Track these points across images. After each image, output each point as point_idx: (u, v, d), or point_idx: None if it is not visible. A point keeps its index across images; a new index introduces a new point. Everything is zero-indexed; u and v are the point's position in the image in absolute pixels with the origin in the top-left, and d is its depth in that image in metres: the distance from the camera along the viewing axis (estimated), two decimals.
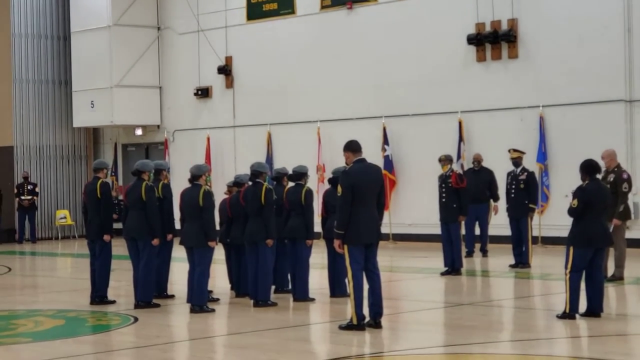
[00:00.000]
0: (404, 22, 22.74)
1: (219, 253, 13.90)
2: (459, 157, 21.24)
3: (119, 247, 15.22)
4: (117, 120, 26.90)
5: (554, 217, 20.05)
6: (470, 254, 18.88)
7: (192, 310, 12.52)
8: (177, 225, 13.42)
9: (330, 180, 13.44)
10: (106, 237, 13.48)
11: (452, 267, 16.14)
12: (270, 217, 12.87)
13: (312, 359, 9.91)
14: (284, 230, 13.39)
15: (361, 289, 10.72)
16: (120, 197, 21.87)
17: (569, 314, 11.21)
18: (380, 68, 23.05)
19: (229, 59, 25.93)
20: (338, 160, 20.16)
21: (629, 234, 15.71)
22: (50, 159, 28.10)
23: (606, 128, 19.77)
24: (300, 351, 10.14)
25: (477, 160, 19.33)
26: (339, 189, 10.79)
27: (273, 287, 13.51)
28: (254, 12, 25.42)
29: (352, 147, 10.95)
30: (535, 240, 19.36)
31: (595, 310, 11.34)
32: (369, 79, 23.21)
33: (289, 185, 13.72)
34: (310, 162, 20.50)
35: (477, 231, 19.23)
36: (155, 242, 13.11)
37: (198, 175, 12.73)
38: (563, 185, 19.41)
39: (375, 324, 10.81)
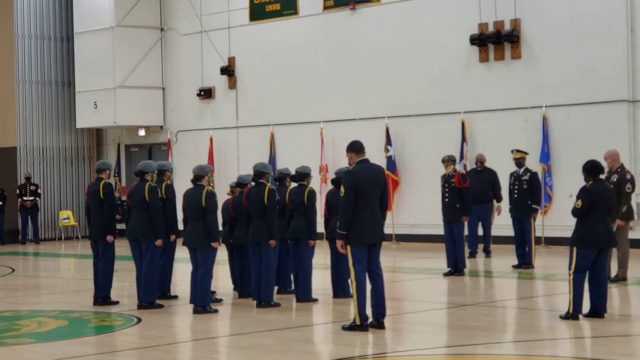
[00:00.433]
0: (407, 22, 22.74)
1: (222, 254, 13.91)
2: (462, 157, 21.22)
3: (122, 247, 15.23)
4: (120, 121, 26.92)
5: (557, 218, 20.04)
6: (473, 254, 18.87)
7: (195, 311, 12.53)
8: (180, 226, 13.43)
9: (333, 181, 13.44)
10: (109, 238, 13.49)
11: (455, 267, 16.13)
12: (273, 217, 12.87)
13: None
14: (287, 231, 13.40)
15: (364, 289, 10.72)
16: (124, 198, 21.90)
17: (572, 315, 11.20)
18: (382, 68, 23.05)
19: (231, 60, 25.94)
20: (341, 161, 20.25)
21: (632, 235, 15.68)
22: (53, 159, 28.13)
23: (609, 128, 19.76)
24: (303, 352, 10.14)
25: (480, 160, 19.33)
26: (342, 189, 10.79)
27: (276, 288, 13.52)
28: (257, 13, 25.43)
29: (356, 148, 10.95)
30: (538, 240, 19.36)
31: (598, 310, 11.33)
32: (371, 79, 23.21)
33: (292, 185, 13.72)
34: (313, 162, 20.50)
35: (480, 232, 19.23)
36: (159, 242, 13.12)
37: (201, 175, 12.74)
38: (566, 185, 19.39)
39: (378, 324, 10.81)
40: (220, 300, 13.52)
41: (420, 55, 22.49)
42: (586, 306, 11.35)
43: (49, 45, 27.99)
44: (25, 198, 26.69)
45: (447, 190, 16.37)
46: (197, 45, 26.53)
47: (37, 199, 26.93)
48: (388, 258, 17.96)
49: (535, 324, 11.53)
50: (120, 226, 13.83)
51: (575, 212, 11.35)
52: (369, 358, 9.94)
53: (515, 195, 17.18)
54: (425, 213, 21.88)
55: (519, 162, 17.37)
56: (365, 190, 10.70)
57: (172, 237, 13.69)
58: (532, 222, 17.08)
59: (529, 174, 17.21)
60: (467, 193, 16.32)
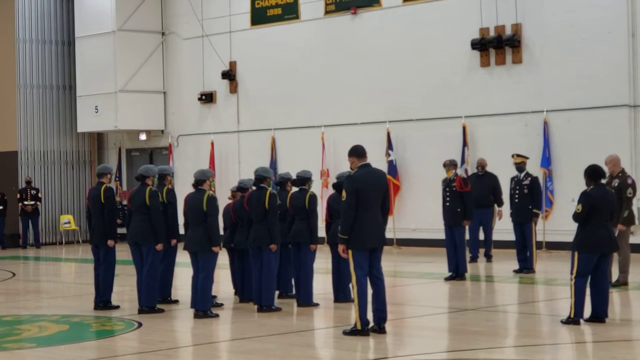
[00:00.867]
0: (408, 27, 22.75)
1: (223, 258, 13.90)
2: (463, 162, 21.21)
3: (123, 252, 15.22)
4: (121, 125, 26.93)
5: (558, 222, 20.03)
6: (474, 259, 18.86)
7: (196, 316, 12.52)
8: (181, 231, 13.42)
9: (334, 185, 13.44)
10: (110, 242, 13.48)
11: (457, 272, 16.12)
12: (274, 222, 12.87)
13: None
14: (288, 235, 13.40)
15: (365, 294, 10.71)
16: (124, 202, 21.93)
17: (573, 320, 11.19)
18: (384, 73, 23.06)
19: (233, 64, 25.95)
20: (342, 165, 20.25)
21: (633, 239, 15.68)
22: (54, 164, 28.13)
23: (610, 133, 19.75)
24: (304, 357, 10.14)
25: (481, 165, 19.33)
26: (344, 193, 10.79)
27: (277, 292, 13.51)
28: (258, 17, 25.45)
29: (357, 152, 10.95)
30: (539, 245, 19.36)
31: (599, 315, 11.33)
32: (372, 84, 23.22)
33: (293, 190, 13.72)
34: (314, 167, 20.49)
35: (482, 236, 19.22)
36: (159, 247, 13.11)
37: (202, 180, 12.73)
38: (567, 190, 19.40)
39: (380, 329, 10.80)
40: (221, 304, 13.51)
41: (422, 60, 22.49)
42: (587, 311, 11.34)
43: (50, 50, 28.01)
44: (26, 202, 26.68)
45: (448, 194, 16.36)
46: (198, 49, 26.54)
47: (38, 203, 26.92)
48: (389, 262, 17.96)
49: (537, 329, 11.52)
50: (121, 230, 13.83)
51: (576, 216, 11.35)
52: None
53: (516, 200, 17.18)
54: (426, 217, 21.87)
55: (520, 166, 17.37)
56: (366, 195, 10.70)
57: (173, 241, 13.69)
58: (533, 226, 17.08)
59: (529, 178, 17.21)
60: (468, 197, 16.32)
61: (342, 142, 22.34)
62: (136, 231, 13.15)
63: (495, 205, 19.17)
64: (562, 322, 11.31)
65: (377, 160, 19.78)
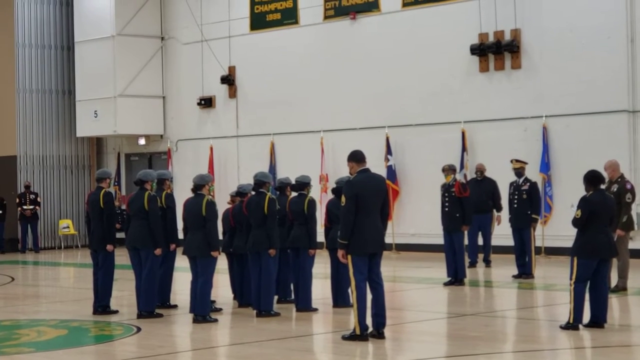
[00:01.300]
0: (407, 32, 22.77)
1: (222, 263, 13.90)
2: (462, 167, 21.22)
3: (121, 256, 15.22)
4: (120, 129, 26.93)
5: (557, 228, 20.04)
6: (473, 264, 18.87)
7: (195, 320, 12.52)
8: (180, 235, 13.42)
9: (333, 190, 13.44)
10: (109, 247, 13.48)
11: (455, 277, 16.12)
12: (273, 227, 12.87)
13: None
14: (287, 240, 13.39)
15: (364, 299, 10.71)
16: (123, 207, 21.89)
17: (572, 325, 11.19)
18: (383, 78, 23.07)
19: (232, 69, 25.96)
20: (341, 170, 20.26)
21: (632, 245, 15.68)
22: (53, 168, 28.13)
23: (609, 138, 19.77)
24: None
25: (480, 170, 19.34)
26: (343, 198, 10.79)
27: (276, 297, 13.50)
28: (258, 22, 25.47)
29: (357, 157, 10.95)
30: (538, 250, 19.36)
31: (598, 321, 11.32)
32: (372, 88, 23.23)
33: (292, 195, 13.72)
34: (313, 172, 20.49)
35: (480, 241, 19.23)
36: (158, 251, 13.11)
37: (201, 185, 12.73)
38: (566, 195, 19.39)
39: (379, 334, 10.79)
40: (220, 309, 13.51)
41: (421, 65, 22.51)
42: (586, 316, 11.33)
43: (49, 54, 28.02)
44: (25, 207, 26.68)
45: (447, 199, 16.37)
46: (197, 54, 26.56)
47: (37, 207, 26.92)
48: (388, 268, 17.96)
49: (536, 334, 11.51)
50: (120, 235, 13.82)
51: (575, 222, 11.35)
52: None
53: (515, 205, 17.18)
54: (425, 222, 21.87)
55: (519, 172, 17.38)
56: (366, 200, 10.70)
57: (172, 246, 13.69)
58: (532, 232, 17.07)
59: (528, 183, 17.22)
60: (467, 202, 16.32)
61: (341, 147, 22.36)
62: (135, 236, 13.15)
63: (494, 210, 19.18)
64: (561, 327, 11.30)
65: (376, 165, 19.78)
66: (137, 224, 13.15)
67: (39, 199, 27.05)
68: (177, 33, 27.11)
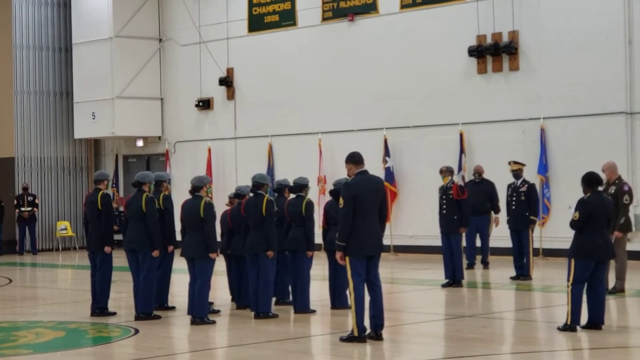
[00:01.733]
0: (405, 33, 22.78)
1: (220, 264, 13.90)
2: (460, 168, 21.24)
3: (119, 258, 15.21)
4: (118, 131, 26.92)
5: (555, 229, 20.05)
6: (471, 265, 18.88)
7: (193, 322, 12.51)
8: (178, 237, 13.42)
9: (331, 192, 13.43)
10: (107, 249, 13.48)
11: (453, 279, 16.12)
12: (271, 228, 12.87)
13: None
14: (285, 242, 13.39)
15: (362, 300, 10.71)
16: (121, 209, 21.87)
17: (570, 326, 11.19)
18: (381, 80, 23.08)
19: (230, 71, 25.96)
20: (339, 172, 20.25)
21: (629, 246, 15.69)
22: (51, 170, 28.12)
23: (607, 140, 19.78)
24: None
25: (478, 172, 19.35)
26: (341, 200, 10.79)
27: (274, 299, 13.50)
28: (256, 24, 25.47)
29: (355, 159, 10.96)
30: (536, 252, 19.36)
31: (596, 322, 11.33)
32: (370, 90, 23.23)
33: (290, 196, 13.72)
34: (311, 173, 20.48)
35: (478, 243, 19.23)
36: (156, 253, 13.10)
37: (199, 186, 12.73)
38: (564, 197, 19.41)
39: (377, 335, 10.79)
40: (218, 311, 13.50)
41: (419, 67, 22.52)
42: (584, 318, 11.34)
43: (47, 56, 28.01)
44: (22, 209, 26.66)
45: (444, 201, 16.37)
46: (195, 56, 26.55)
47: (35, 209, 26.90)
48: (386, 269, 17.96)
49: (533, 336, 11.52)
50: (118, 237, 13.81)
51: (573, 224, 11.36)
52: None
53: (513, 207, 17.18)
54: (423, 224, 21.88)
55: (517, 173, 17.39)
56: (364, 202, 10.70)
57: (170, 248, 13.68)
58: (530, 233, 17.08)
59: (526, 185, 17.22)
60: (465, 204, 16.32)
61: (339, 149, 22.36)
62: (132, 237, 13.15)
63: (492, 212, 19.18)
64: (558, 329, 11.31)
65: (374, 167, 19.81)
66: (135, 226, 13.14)
67: (36, 201, 27.03)
68: (175, 35, 27.10)
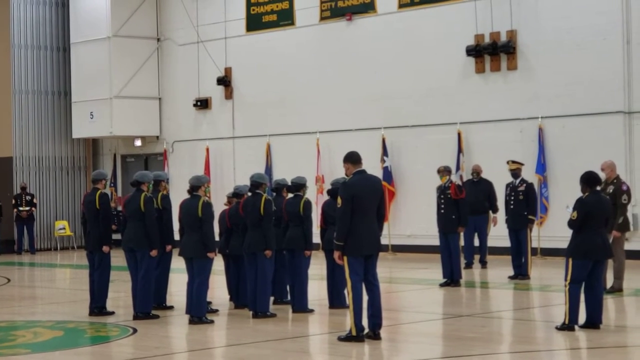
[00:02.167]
0: (403, 33, 22.78)
1: (218, 264, 13.89)
2: (458, 168, 21.24)
3: (117, 258, 15.21)
4: (116, 131, 26.91)
5: (553, 229, 20.05)
6: (469, 265, 18.88)
7: (191, 322, 12.51)
8: (176, 236, 13.42)
9: (329, 192, 13.44)
10: (105, 248, 13.48)
11: (451, 278, 16.13)
12: (269, 228, 12.88)
13: None
14: (283, 241, 13.39)
15: (360, 300, 10.71)
16: (119, 208, 21.89)
17: (568, 326, 11.20)
18: (379, 79, 23.08)
19: (228, 70, 25.96)
20: (337, 172, 20.24)
21: (627, 246, 15.70)
22: (49, 169, 28.11)
23: (605, 140, 19.78)
24: None
25: (476, 171, 19.35)
26: (339, 200, 10.79)
27: (272, 298, 13.50)
28: (254, 24, 25.46)
29: (353, 159, 10.95)
30: (534, 251, 19.38)
31: (594, 321, 11.34)
32: (368, 90, 23.24)
33: (288, 196, 13.72)
34: (309, 173, 20.52)
35: (476, 242, 19.24)
36: (154, 253, 13.10)
37: (197, 186, 12.73)
38: (562, 196, 19.42)
39: (375, 335, 10.80)
40: (216, 310, 13.50)
41: (417, 66, 22.52)
42: (582, 317, 11.34)
43: (45, 55, 28.00)
44: (21, 208, 26.65)
45: (442, 201, 16.37)
46: (193, 55, 26.55)
47: (33, 209, 26.89)
48: (384, 269, 17.96)
49: (531, 335, 11.53)
50: (116, 236, 13.82)
51: (571, 223, 11.36)
52: None
53: (511, 206, 17.19)
54: (421, 224, 21.88)
55: (515, 173, 17.39)
56: (362, 201, 10.70)
57: (168, 247, 13.69)
58: (528, 233, 17.09)
59: (525, 184, 17.23)
60: (463, 204, 16.33)
61: (337, 149, 22.37)
62: (131, 237, 13.15)
63: (490, 211, 19.19)
64: (556, 328, 11.32)
65: (372, 166, 19.79)
66: (134, 225, 13.15)
67: (35, 201, 27.02)
68: (173, 34, 27.10)
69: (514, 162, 17.53)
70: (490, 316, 13.19)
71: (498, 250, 19.66)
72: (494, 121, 21.46)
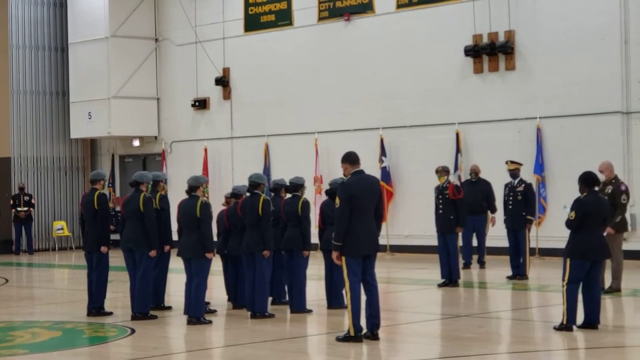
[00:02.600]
0: (401, 33, 22.78)
1: (217, 264, 13.89)
2: (456, 168, 21.25)
3: (116, 258, 15.21)
4: (114, 131, 26.91)
5: (551, 229, 20.05)
6: (467, 265, 18.88)
7: (189, 322, 12.51)
8: (175, 237, 13.42)
9: (327, 192, 13.44)
10: (103, 249, 13.48)
11: (450, 278, 16.13)
12: (267, 228, 12.88)
13: None
14: (281, 242, 13.40)
15: (359, 300, 10.72)
16: (118, 209, 21.90)
17: (566, 326, 11.21)
18: (377, 79, 23.08)
19: (226, 70, 25.96)
20: (335, 172, 20.26)
21: (626, 246, 15.70)
22: (47, 170, 28.10)
23: (603, 140, 19.79)
24: None
25: (475, 171, 19.36)
26: (337, 200, 10.79)
27: (270, 299, 13.50)
28: (252, 24, 25.46)
29: (351, 159, 10.96)
30: (532, 251, 19.39)
31: (592, 322, 11.34)
32: (366, 90, 23.24)
33: (287, 196, 13.72)
34: (307, 173, 20.51)
35: (475, 243, 19.24)
36: (152, 253, 13.11)
37: (195, 186, 12.73)
38: (560, 196, 19.41)
39: (373, 335, 10.80)
40: (215, 311, 13.50)
41: (415, 66, 22.53)
42: (580, 317, 11.35)
43: (43, 56, 27.99)
44: (19, 208, 26.64)
45: (441, 201, 16.37)
46: (191, 55, 26.55)
47: (31, 209, 26.89)
48: (382, 269, 17.96)
49: (530, 335, 11.53)
50: (115, 237, 13.82)
51: (568, 223, 11.37)
52: None
53: (510, 206, 17.20)
54: (419, 224, 21.88)
55: (514, 173, 17.40)
56: (360, 202, 10.70)
57: (167, 247, 13.69)
58: (527, 233, 17.10)
59: (523, 185, 17.24)
60: (461, 204, 16.33)
61: (335, 149, 22.35)
62: (129, 237, 13.15)
63: (489, 211, 19.19)
64: (554, 328, 11.32)
65: (370, 166, 19.80)
66: (132, 226, 13.14)
67: (33, 201, 27.01)
68: (171, 34, 27.09)
69: (512, 162, 17.54)
70: (488, 316, 13.20)
71: (496, 251, 19.66)
72: (492, 121, 21.46)
